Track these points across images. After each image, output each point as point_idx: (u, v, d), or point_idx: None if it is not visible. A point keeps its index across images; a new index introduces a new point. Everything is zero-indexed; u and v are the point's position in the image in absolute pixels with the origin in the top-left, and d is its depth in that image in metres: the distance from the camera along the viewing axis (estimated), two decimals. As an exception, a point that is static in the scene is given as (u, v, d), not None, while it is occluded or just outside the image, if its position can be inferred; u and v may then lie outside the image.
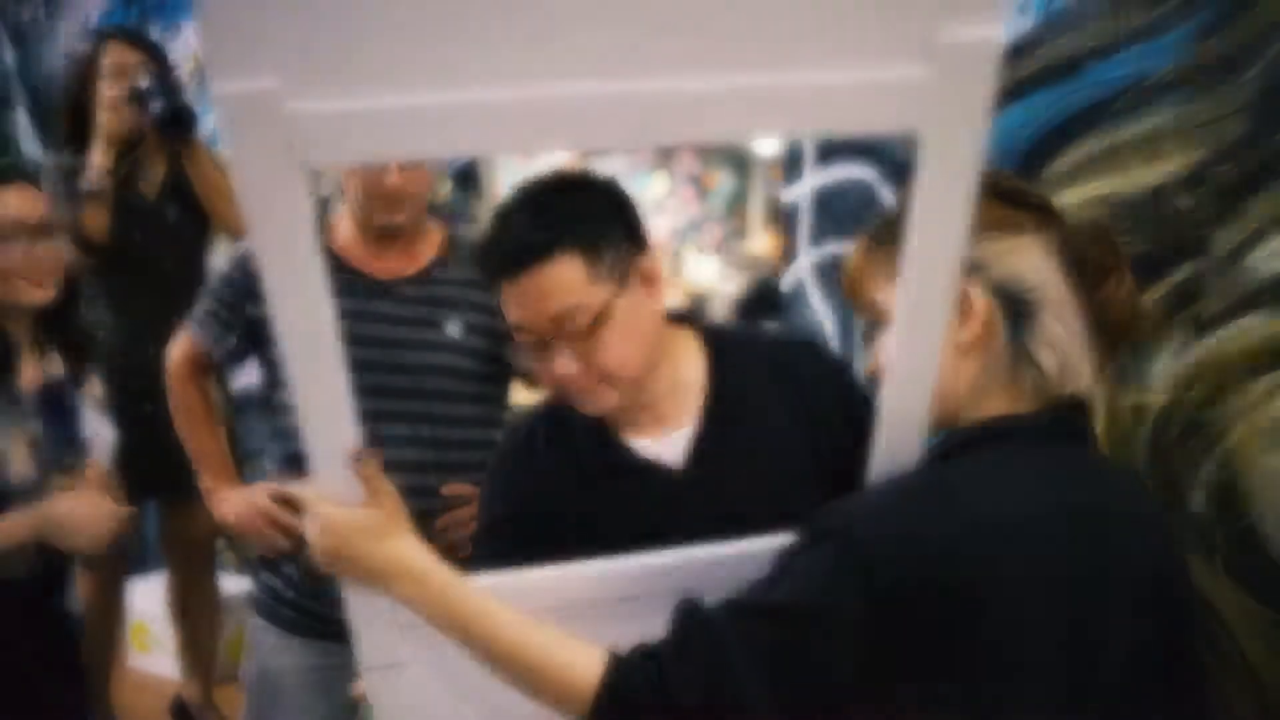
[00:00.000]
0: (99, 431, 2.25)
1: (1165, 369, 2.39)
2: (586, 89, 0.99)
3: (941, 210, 1.11)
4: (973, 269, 1.31)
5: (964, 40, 1.00)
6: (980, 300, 1.31)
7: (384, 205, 2.38)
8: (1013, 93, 2.56)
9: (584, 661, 1.25)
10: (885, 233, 1.40)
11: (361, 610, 1.35)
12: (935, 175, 1.08)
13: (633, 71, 0.99)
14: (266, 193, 1.00)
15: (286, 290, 1.09)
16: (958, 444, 1.33)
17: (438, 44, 0.95)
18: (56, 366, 2.26)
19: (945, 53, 1.00)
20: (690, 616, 1.26)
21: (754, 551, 1.40)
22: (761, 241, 7.04)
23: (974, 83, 1.02)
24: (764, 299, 5.86)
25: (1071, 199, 2.47)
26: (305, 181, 1.00)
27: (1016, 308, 1.32)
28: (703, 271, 9.52)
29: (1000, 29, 1.00)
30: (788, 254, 3.14)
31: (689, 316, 1.86)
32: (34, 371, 2.23)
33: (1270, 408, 2.26)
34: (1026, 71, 2.55)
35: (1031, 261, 1.33)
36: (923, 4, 0.98)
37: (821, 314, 3.04)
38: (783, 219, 3.21)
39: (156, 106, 3.35)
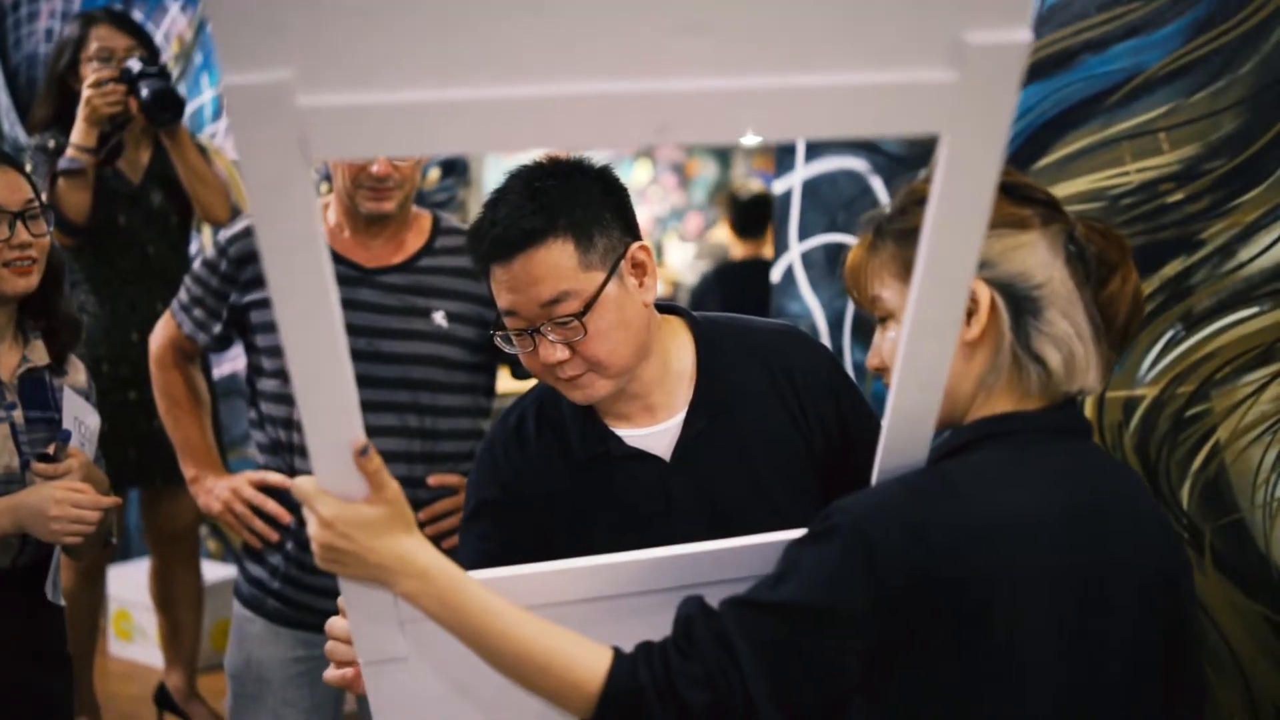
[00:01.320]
0: (84, 419, 2.22)
1: (1154, 363, 2.40)
2: (606, 88, 0.97)
3: (961, 211, 1.09)
4: (978, 266, 1.29)
5: (991, 44, 0.98)
6: (986, 297, 1.31)
7: (371, 193, 2.37)
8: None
9: (589, 658, 1.25)
10: (888, 228, 1.39)
11: (360, 606, 1.33)
12: (956, 177, 1.07)
13: (654, 71, 0.97)
14: (275, 185, 0.98)
15: (291, 280, 1.07)
16: (964, 442, 1.33)
17: (452, 39, 0.94)
18: (39, 353, 2.24)
19: (972, 56, 0.99)
20: (696, 614, 1.25)
21: (756, 548, 1.39)
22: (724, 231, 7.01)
23: (999, 86, 1.01)
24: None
25: (1064, 192, 2.47)
26: (314, 174, 0.99)
27: (1022, 304, 1.31)
28: (684, 259, 9.51)
29: (1028, 33, 0.98)
30: (777, 244, 3.13)
31: (678, 306, 1.86)
32: (15, 358, 2.21)
33: (1259, 403, 2.26)
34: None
35: (1037, 258, 1.32)
36: (950, 7, 0.97)
37: (811, 304, 3.04)
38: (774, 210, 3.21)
39: (145, 90, 3.33)
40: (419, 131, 0.97)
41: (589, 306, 1.62)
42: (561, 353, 1.64)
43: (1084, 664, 1.27)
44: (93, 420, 2.26)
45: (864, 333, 2.91)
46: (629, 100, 0.98)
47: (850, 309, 2.94)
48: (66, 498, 2.04)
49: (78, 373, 2.31)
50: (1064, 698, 1.26)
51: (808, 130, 1.07)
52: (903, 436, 1.29)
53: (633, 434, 1.75)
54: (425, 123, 0.96)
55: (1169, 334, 2.37)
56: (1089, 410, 2.46)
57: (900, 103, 1.01)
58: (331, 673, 1.51)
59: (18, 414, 2.16)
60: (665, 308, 1.83)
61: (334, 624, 1.49)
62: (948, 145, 1.05)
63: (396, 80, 0.94)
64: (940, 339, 1.20)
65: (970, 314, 1.31)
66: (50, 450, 2.12)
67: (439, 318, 2.42)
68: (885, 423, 1.28)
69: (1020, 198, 1.35)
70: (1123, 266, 1.36)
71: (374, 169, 2.33)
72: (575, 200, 1.64)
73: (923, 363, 1.22)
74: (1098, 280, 1.35)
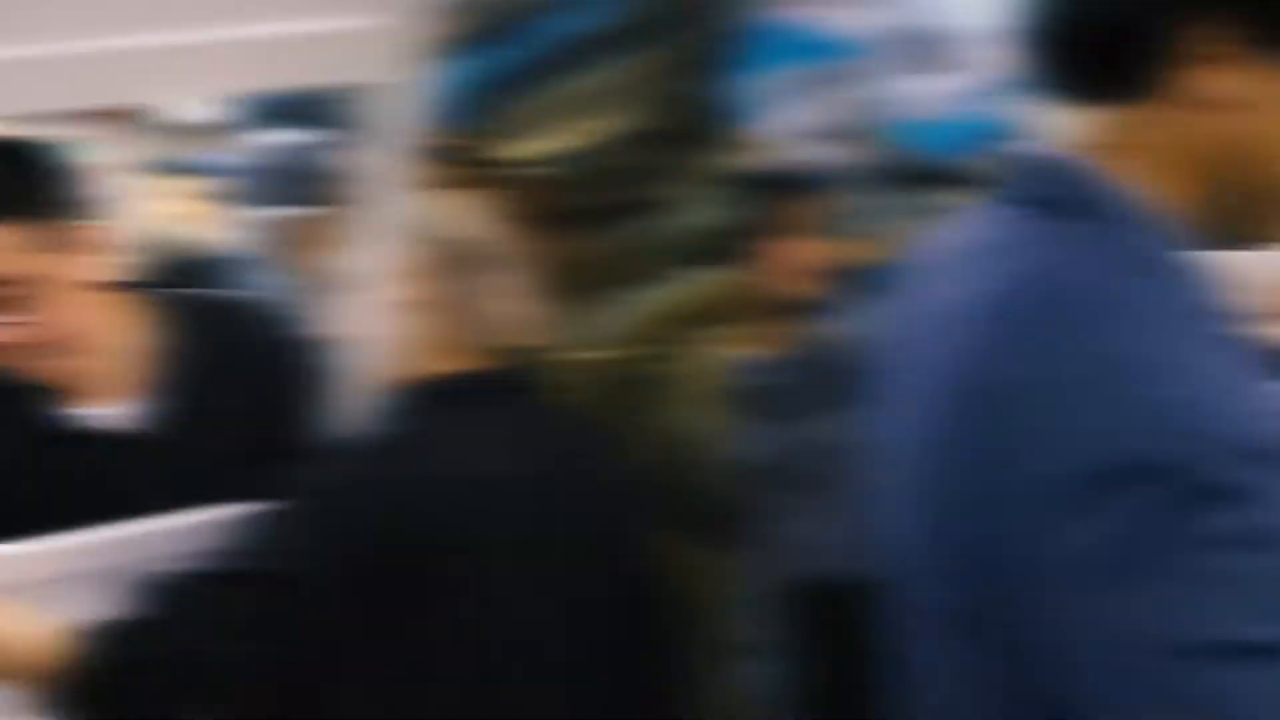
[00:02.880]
0: None
1: (612, 322, 2.45)
2: (49, 51, 0.93)
3: (385, 163, 1.11)
4: (417, 227, 1.29)
5: None
6: (427, 256, 1.29)
7: None
8: (452, 50, 2.54)
9: (50, 640, 1.19)
10: (327, 198, 1.39)
11: None
12: (378, 127, 1.08)
13: (89, 32, 0.93)
14: None
15: None
16: (417, 403, 1.32)
17: None
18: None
19: (385, 5, 1.01)
20: (165, 589, 1.22)
21: (213, 521, 1.37)
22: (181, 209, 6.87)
23: (414, 30, 1.04)
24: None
25: (514, 155, 2.47)
26: None
27: (464, 264, 1.32)
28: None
29: None
30: (229, 220, 3.04)
31: (138, 283, 1.87)
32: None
33: (710, 362, 2.35)
34: (466, 29, 2.53)
35: (478, 218, 1.34)
36: None
37: (265, 278, 2.96)
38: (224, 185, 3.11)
39: None
40: None
41: (35, 287, 1.65)
42: (14, 333, 1.66)
43: (558, 623, 1.28)
44: None
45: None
46: (64, 61, 0.95)
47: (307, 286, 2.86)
48: None
49: None
50: (536, 663, 1.26)
51: (232, 84, 1.07)
52: (351, 398, 1.29)
53: (94, 413, 1.77)
54: None
55: (626, 292, 2.43)
56: (546, 372, 2.49)
57: (319, 54, 1.00)
58: None
59: None
60: (126, 284, 1.82)
61: None
62: (367, 95, 1.06)
63: None
64: (378, 293, 1.20)
65: (411, 274, 1.30)
66: None
67: None
68: (334, 386, 1.28)
69: (456, 159, 1.37)
70: (569, 224, 1.41)
71: None
72: (17, 181, 1.66)
73: (363, 319, 1.22)
74: (545, 238, 1.39)
